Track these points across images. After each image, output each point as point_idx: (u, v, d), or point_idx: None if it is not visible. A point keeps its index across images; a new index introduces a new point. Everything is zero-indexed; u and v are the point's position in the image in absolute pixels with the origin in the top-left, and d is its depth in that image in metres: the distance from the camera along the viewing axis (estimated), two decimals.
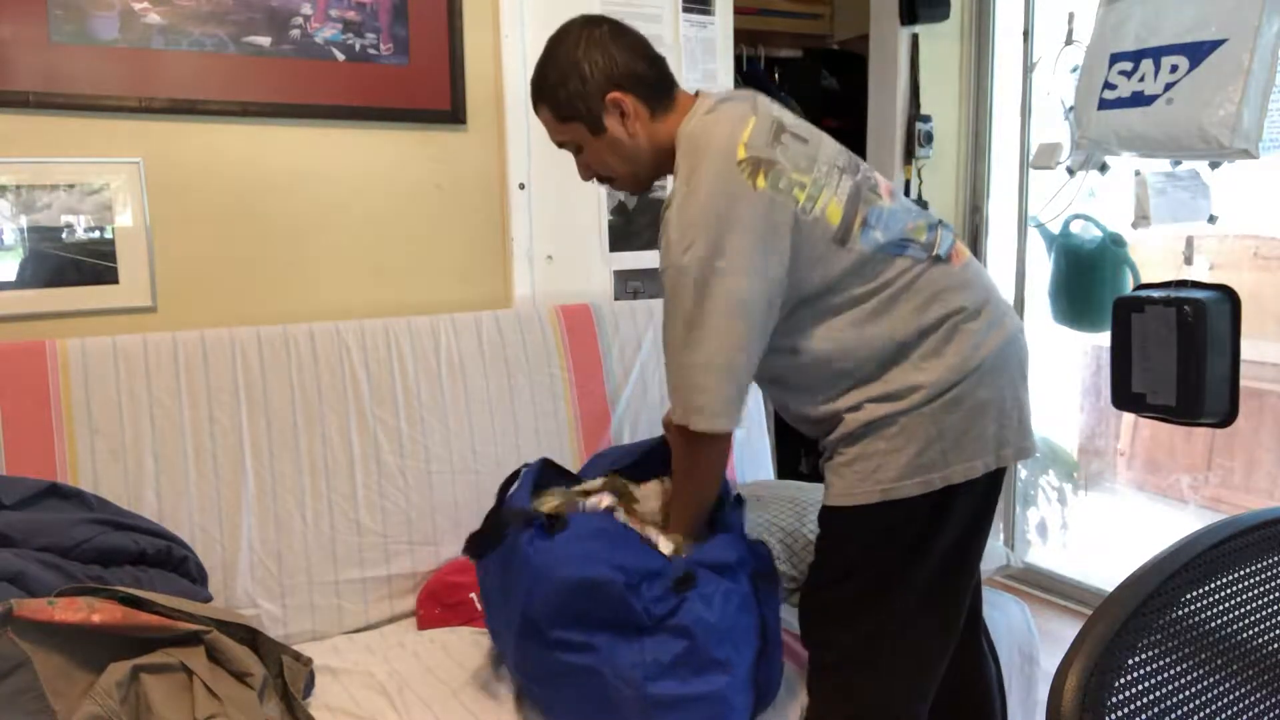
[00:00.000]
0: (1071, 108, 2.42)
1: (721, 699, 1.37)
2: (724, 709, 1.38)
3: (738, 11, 2.59)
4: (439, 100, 2.18)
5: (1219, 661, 0.77)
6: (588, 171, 1.51)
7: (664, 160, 1.45)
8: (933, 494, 1.37)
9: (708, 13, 2.51)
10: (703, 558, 1.42)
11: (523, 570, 1.40)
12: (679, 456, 1.45)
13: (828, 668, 1.47)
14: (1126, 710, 0.70)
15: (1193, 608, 0.76)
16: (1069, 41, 2.67)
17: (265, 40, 1.98)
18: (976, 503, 1.42)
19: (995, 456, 1.39)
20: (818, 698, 1.48)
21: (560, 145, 1.50)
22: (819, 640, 1.48)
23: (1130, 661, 0.72)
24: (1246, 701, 0.77)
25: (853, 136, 3.32)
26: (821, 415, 1.43)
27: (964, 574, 1.47)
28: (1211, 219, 2.35)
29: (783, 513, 1.96)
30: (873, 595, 1.42)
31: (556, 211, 2.36)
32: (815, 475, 2.04)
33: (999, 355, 1.40)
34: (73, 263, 1.86)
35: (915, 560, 1.41)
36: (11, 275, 1.81)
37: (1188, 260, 2.46)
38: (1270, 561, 0.82)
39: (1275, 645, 0.80)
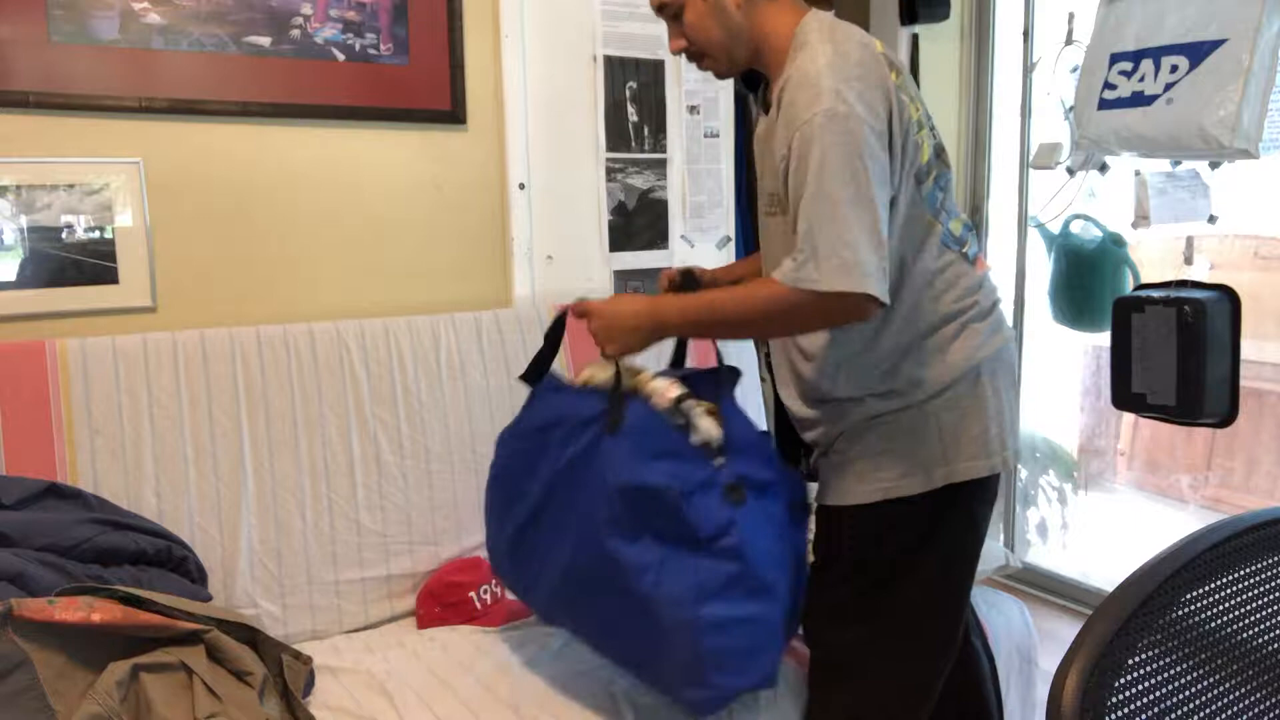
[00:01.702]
0: (1071, 108, 2.42)
1: (767, 622, 1.37)
2: (768, 632, 1.37)
3: None
4: (439, 100, 2.18)
5: (1219, 661, 0.77)
6: (681, 42, 1.43)
7: (763, 52, 1.40)
8: (933, 492, 1.37)
9: None
10: (747, 472, 1.40)
11: (587, 470, 1.39)
12: (770, 312, 1.29)
13: (829, 668, 1.47)
14: (1126, 710, 0.70)
15: (1193, 608, 0.76)
16: (1069, 41, 2.67)
17: (265, 40, 1.98)
18: (977, 503, 1.43)
19: (1000, 459, 1.40)
20: (818, 698, 1.48)
21: (659, 8, 1.44)
22: (821, 641, 1.48)
23: (1130, 661, 0.72)
24: (1246, 701, 0.77)
25: None
26: (825, 398, 1.43)
27: (965, 576, 1.47)
28: (1211, 219, 2.35)
29: None
30: (874, 595, 1.42)
31: (556, 211, 2.36)
32: (815, 475, 2.03)
33: (996, 358, 1.41)
34: (73, 263, 1.86)
35: (916, 560, 1.41)
36: (11, 275, 1.81)
37: (1188, 260, 2.45)
38: (1270, 561, 0.82)
39: (1275, 645, 0.80)
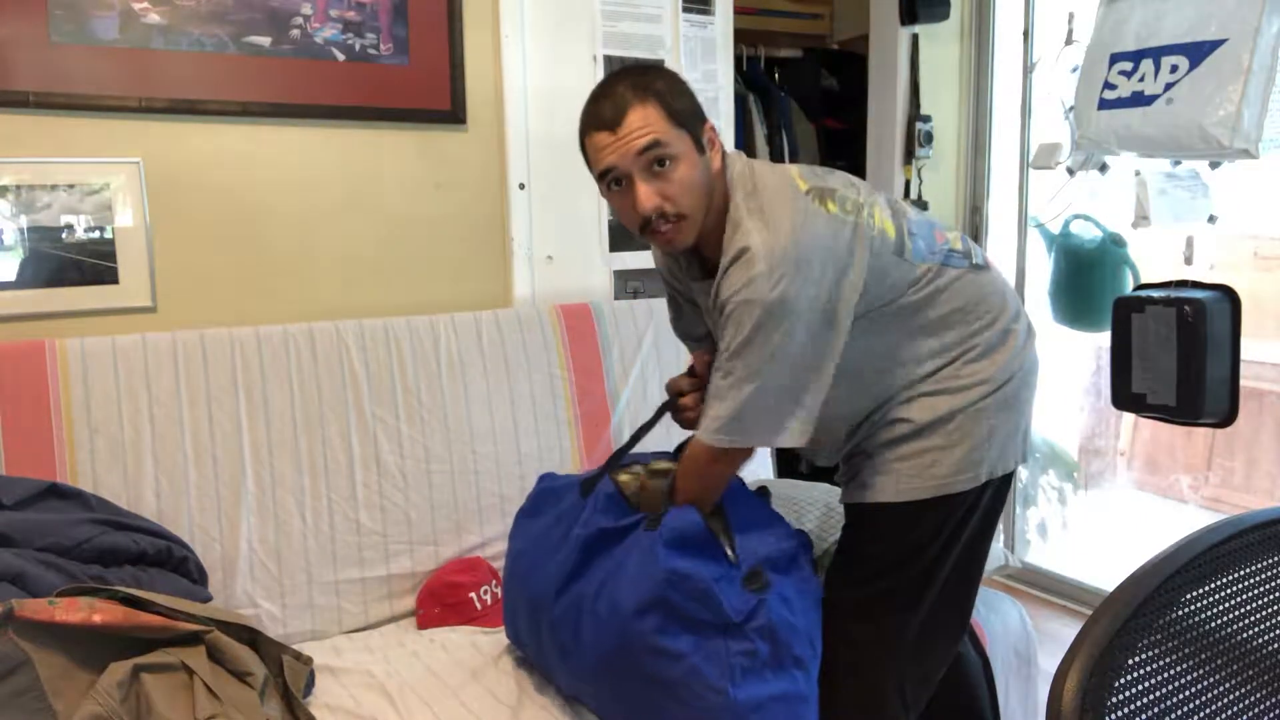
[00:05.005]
0: (1071, 108, 2.42)
1: (801, 697, 1.39)
2: (803, 707, 1.40)
3: (738, 11, 2.59)
4: (439, 100, 2.18)
5: (1219, 661, 0.77)
6: (659, 198, 1.30)
7: (715, 209, 1.37)
8: (975, 489, 1.42)
9: (708, 13, 2.51)
10: (767, 553, 1.43)
11: (620, 559, 1.41)
12: (701, 471, 1.41)
13: (845, 660, 1.47)
14: (1126, 710, 0.70)
15: (1193, 608, 0.76)
16: (1069, 41, 2.67)
17: (265, 40, 1.98)
18: (1000, 499, 1.49)
19: (1020, 454, 1.49)
20: (825, 688, 1.48)
21: (646, 149, 1.29)
22: (846, 636, 1.48)
23: (1130, 661, 0.72)
24: (1246, 702, 0.77)
25: (853, 136, 3.32)
26: (867, 411, 1.45)
27: (979, 569, 1.53)
28: (1211, 219, 2.35)
29: (783, 511, 1.96)
30: (913, 589, 1.45)
31: (556, 211, 2.36)
32: (815, 475, 2.03)
33: (1033, 361, 1.49)
34: (73, 263, 1.86)
35: (947, 553, 1.45)
36: (11, 275, 1.81)
37: (1188, 260, 2.45)
38: (1270, 561, 0.82)
39: (1275, 645, 0.80)
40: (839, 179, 1.40)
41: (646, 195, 1.30)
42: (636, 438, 1.60)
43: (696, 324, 1.65)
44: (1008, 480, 1.49)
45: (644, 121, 1.29)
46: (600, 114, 1.32)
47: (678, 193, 1.31)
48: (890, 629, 1.45)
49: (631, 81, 1.32)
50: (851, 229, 1.33)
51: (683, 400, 1.55)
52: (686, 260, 1.50)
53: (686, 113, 1.33)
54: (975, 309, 1.42)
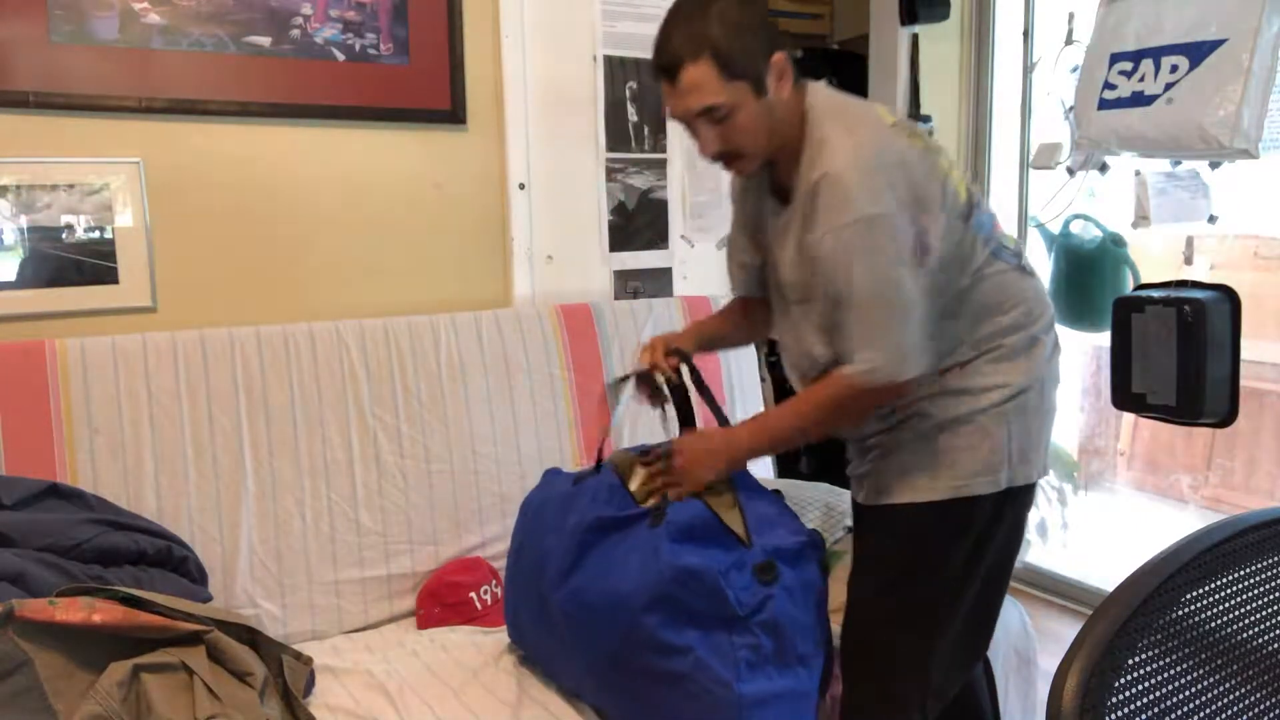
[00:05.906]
0: (1071, 108, 2.42)
1: (804, 694, 1.39)
2: (806, 704, 1.40)
3: None
4: (439, 100, 2.18)
5: (1219, 661, 0.77)
6: (719, 144, 1.35)
7: (787, 136, 1.37)
8: (996, 495, 1.40)
9: None
10: (780, 544, 1.43)
11: (624, 555, 1.41)
12: (845, 408, 1.36)
13: (877, 674, 1.46)
14: (1126, 710, 0.70)
15: (1193, 608, 0.76)
16: (1069, 41, 2.67)
17: (265, 40, 1.98)
18: (1023, 509, 1.47)
19: (1044, 466, 1.47)
20: (863, 697, 1.48)
21: (701, 113, 1.32)
22: (873, 644, 1.46)
23: (1130, 661, 0.71)
24: (1246, 702, 0.77)
25: None
26: (893, 406, 1.43)
27: (1005, 580, 1.50)
28: (1211, 219, 2.35)
29: None
30: (934, 596, 1.43)
31: (556, 211, 2.36)
32: (816, 475, 2.03)
33: (1055, 374, 1.49)
34: (73, 263, 1.86)
35: (974, 562, 1.43)
36: (11, 275, 1.81)
37: (1188, 260, 2.45)
38: (1270, 561, 0.82)
39: (1275, 645, 0.80)
40: (923, 130, 1.42)
41: (706, 142, 1.36)
42: (621, 382, 1.61)
43: (745, 250, 1.60)
44: (1031, 493, 1.46)
45: (695, 84, 1.31)
46: (660, 62, 1.35)
47: (737, 138, 1.35)
48: (917, 636, 1.43)
49: (687, 32, 1.31)
50: (931, 163, 1.33)
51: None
52: (758, 182, 1.49)
53: (745, 56, 1.30)
54: (1012, 309, 1.41)
